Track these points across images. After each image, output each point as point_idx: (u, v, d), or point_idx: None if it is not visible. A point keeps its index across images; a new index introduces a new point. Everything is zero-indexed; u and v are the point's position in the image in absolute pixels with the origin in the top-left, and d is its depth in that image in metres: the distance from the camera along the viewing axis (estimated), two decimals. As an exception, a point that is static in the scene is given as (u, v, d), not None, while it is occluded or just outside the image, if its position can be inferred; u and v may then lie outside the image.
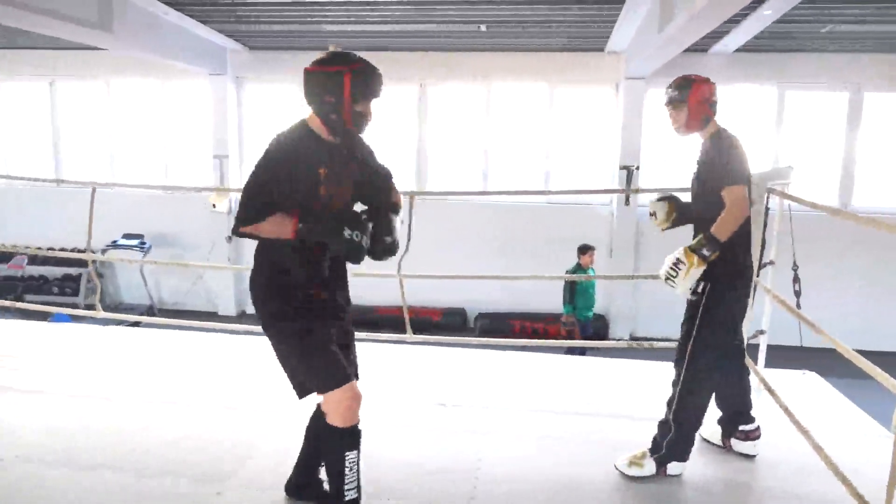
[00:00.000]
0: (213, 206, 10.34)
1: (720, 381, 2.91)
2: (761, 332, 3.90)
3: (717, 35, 8.32)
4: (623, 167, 9.55)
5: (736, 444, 3.01)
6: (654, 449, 2.79)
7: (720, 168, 2.74)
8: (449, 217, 9.80)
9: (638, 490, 2.73)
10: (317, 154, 2.18)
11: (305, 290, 2.20)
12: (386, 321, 8.37)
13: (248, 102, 10.75)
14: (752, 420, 3.00)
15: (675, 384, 2.78)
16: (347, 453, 2.13)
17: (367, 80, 2.24)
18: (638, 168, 9.53)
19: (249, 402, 3.51)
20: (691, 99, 2.84)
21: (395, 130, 10.26)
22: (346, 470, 2.12)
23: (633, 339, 9.59)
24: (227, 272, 10.43)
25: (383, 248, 2.23)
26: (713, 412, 2.97)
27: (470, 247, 9.86)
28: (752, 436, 2.98)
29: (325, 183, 2.17)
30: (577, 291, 7.65)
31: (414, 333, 4.43)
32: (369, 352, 3.40)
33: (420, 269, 4.95)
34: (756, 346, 3.84)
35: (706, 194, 2.80)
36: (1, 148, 11.27)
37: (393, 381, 3.87)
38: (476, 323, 9.98)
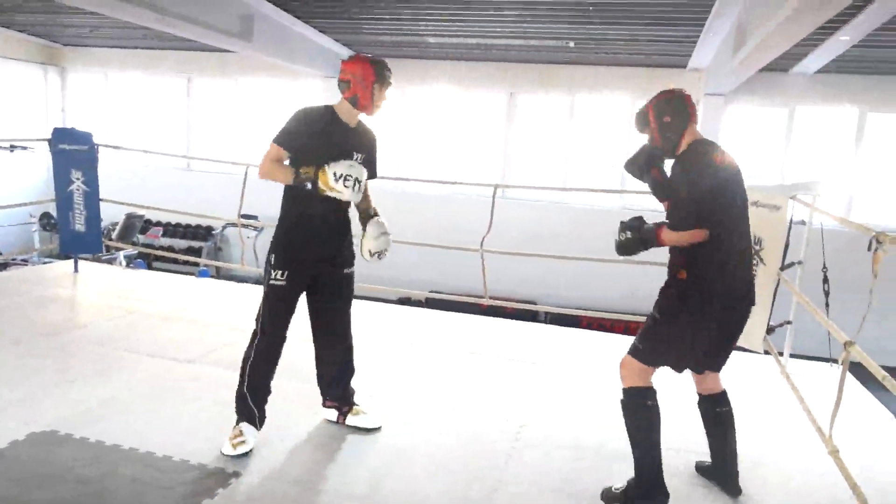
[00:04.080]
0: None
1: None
2: (788, 322, 4.50)
3: (797, 56, 8.71)
4: (697, 178, 10.02)
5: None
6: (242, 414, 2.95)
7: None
8: (528, 217, 10.60)
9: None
10: None
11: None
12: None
13: (355, 103, 11.94)
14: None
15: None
16: None
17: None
18: (711, 180, 9.98)
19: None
20: None
21: (484, 133, 11.20)
22: None
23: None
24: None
25: None
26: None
27: (545, 247, 10.58)
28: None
29: None
30: None
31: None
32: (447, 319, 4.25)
33: (497, 258, 5.79)
34: (783, 336, 4.47)
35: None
36: (141, 133, 12.97)
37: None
38: (546, 317, 10.72)
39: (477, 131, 11.32)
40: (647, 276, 11.32)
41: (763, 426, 3.59)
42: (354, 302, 3.21)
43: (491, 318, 5.50)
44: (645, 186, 2.87)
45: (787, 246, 4.14)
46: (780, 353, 4.33)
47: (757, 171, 10.24)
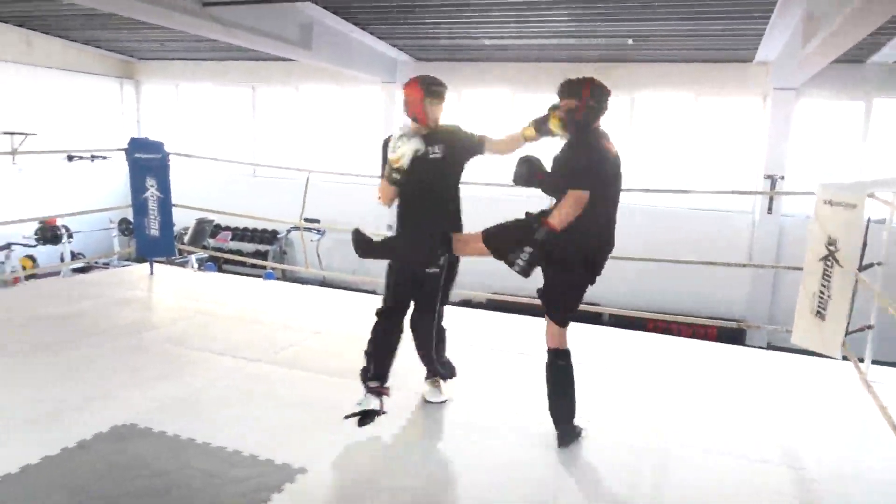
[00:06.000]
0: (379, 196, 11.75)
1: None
2: (868, 327, 4.27)
3: (873, 46, 8.30)
4: (767, 176, 9.67)
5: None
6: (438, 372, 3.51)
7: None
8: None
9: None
10: None
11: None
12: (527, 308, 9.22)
13: (413, 107, 12.09)
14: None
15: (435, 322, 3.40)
16: None
17: None
18: (783, 178, 9.61)
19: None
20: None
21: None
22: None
23: (770, 347, 9.68)
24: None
25: None
26: None
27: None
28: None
29: None
30: None
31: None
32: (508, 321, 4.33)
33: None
34: (863, 341, 4.24)
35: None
36: (210, 141, 13.47)
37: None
38: (610, 318, 10.52)
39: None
40: (716, 277, 11.08)
41: (842, 436, 3.44)
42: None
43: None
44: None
45: (864, 246, 3.95)
46: (861, 360, 4.12)
47: (832, 168, 9.79)
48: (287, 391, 3.62)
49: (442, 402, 3.52)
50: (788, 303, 9.51)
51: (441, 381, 3.59)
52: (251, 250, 12.60)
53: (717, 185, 10.05)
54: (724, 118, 10.40)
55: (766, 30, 7.99)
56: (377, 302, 3.37)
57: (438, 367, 3.53)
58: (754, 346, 9.43)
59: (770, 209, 9.82)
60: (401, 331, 3.32)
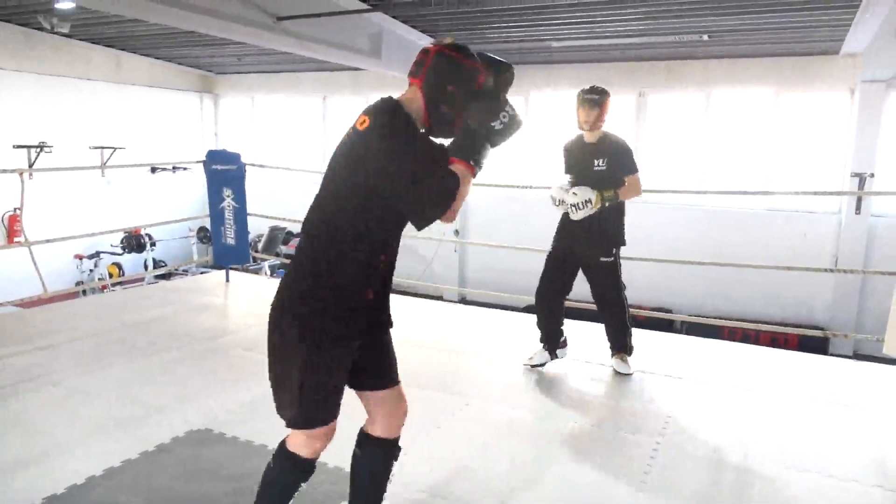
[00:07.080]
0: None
1: None
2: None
3: (976, 33, 7.69)
4: (855, 174, 9.11)
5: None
6: (627, 349, 4.12)
7: (629, 159, 4.14)
8: (659, 221, 10.13)
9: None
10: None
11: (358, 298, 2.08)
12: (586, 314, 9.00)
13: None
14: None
15: (620, 306, 4.17)
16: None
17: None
18: (872, 175, 9.04)
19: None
20: (605, 105, 4.02)
21: (612, 137, 10.85)
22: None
23: (856, 356, 9.11)
24: (454, 263, 11.83)
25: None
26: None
27: (679, 251, 9.99)
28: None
29: None
30: None
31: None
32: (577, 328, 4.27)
33: (629, 264, 5.57)
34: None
35: (614, 174, 4.08)
36: (283, 151, 13.89)
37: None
38: (682, 325, 10.16)
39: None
40: (795, 282, 10.54)
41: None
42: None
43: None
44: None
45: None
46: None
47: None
48: (355, 399, 3.64)
49: (630, 374, 4.06)
50: (878, 309, 8.98)
51: (627, 356, 4.12)
52: (322, 256, 12.88)
53: (800, 185, 9.55)
54: (807, 114, 9.87)
55: (855, 20, 7.54)
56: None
57: (628, 342, 4.13)
58: (839, 356, 8.88)
59: (858, 209, 9.26)
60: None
